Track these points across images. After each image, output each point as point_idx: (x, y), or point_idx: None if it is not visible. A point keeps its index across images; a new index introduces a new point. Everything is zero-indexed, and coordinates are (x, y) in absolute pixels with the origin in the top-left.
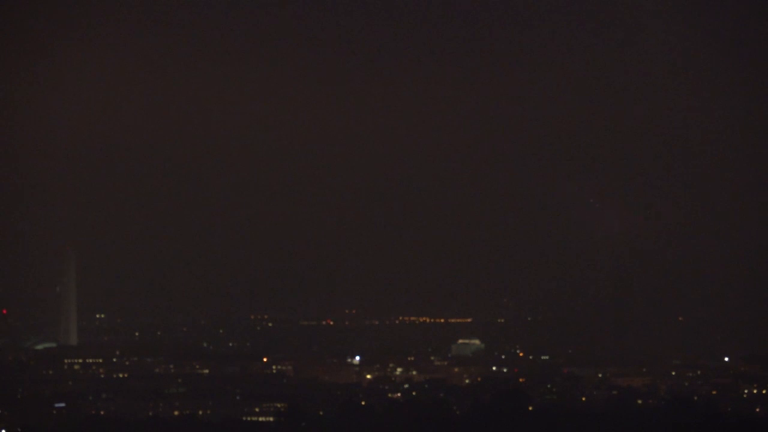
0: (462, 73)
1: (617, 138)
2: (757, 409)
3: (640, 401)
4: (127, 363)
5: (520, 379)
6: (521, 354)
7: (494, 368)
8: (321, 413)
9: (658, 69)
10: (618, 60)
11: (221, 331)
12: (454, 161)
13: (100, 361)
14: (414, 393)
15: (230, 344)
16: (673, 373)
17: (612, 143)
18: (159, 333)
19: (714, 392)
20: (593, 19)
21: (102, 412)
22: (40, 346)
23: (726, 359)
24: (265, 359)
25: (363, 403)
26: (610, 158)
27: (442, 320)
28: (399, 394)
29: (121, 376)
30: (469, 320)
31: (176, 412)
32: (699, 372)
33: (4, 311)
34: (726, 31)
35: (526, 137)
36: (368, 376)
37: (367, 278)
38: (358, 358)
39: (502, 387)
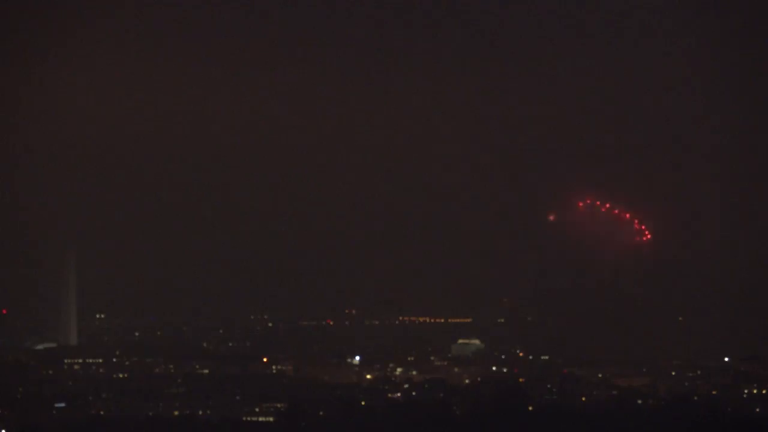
0: (466, 75)
1: (618, 139)
2: (757, 409)
3: (640, 401)
4: (127, 363)
5: (520, 379)
6: (521, 354)
7: (494, 368)
8: (321, 413)
9: (659, 70)
10: (620, 61)
11: (221, 331)
12: (454, 161)
13: (100, 361)
14: (414, 393)
15: (230, 344)
16: (673, 373)
17: (613, 144)
18: (159, 333)
19: (714, 392)
20: (597, 21)
21: (102, 412)
22: (40, 346)
23: (726, 359)
24: (265, 359)
25: (363, 403)
26: (611, 159)
27: (442, 320)
28: (399, 394)
29: (121, 376)
30: (469, 320)
31: (176, 412)
32: (699, 372)
33: (4, 311)
34: (729, 34)
35: (527, 138)
36: (368, 376)
37: (367, 278)
38: (358, 358)
39: (502, 387)
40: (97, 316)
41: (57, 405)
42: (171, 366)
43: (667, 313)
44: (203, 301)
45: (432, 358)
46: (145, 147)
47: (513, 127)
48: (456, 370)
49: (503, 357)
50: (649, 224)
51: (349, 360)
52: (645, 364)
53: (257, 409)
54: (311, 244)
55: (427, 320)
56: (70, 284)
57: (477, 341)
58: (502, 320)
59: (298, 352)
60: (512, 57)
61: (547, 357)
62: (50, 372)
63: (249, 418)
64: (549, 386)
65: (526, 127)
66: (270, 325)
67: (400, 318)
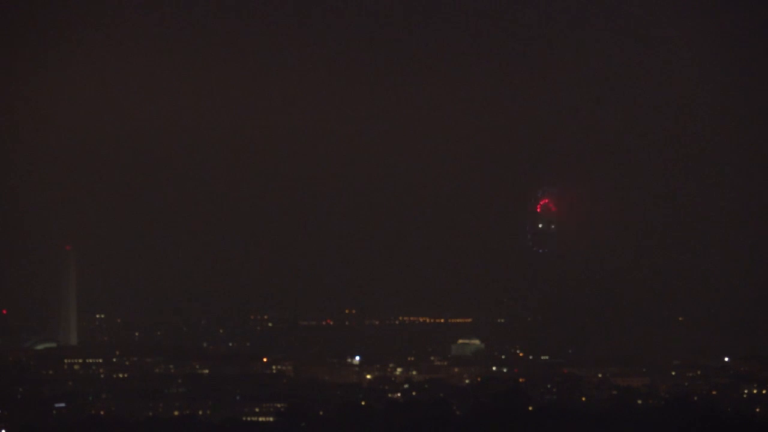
0: (471, 77)
1: (619, 138)
2: (757, 409)
3: (640, 401)
4: (127, 363)
5: (520, 379)
6: (521, 354)
7: (494, 368)
8: (321, 413)
9: (659, 70)
10: (620, 62)
11: (221, 331)
12: (455, 162)
13: (100, 361)
14: (414, 393)
15: (230, 344)
16: (673, 373)
17: (614, 143)
18: (159, 333)
19: (714, 392)
20: (598, 21)
21: (102, 412)
22: (40, 346)
23: (726, 359)
24: (265, 359)
25: (363, 403)
26: (612, 158)
27: (442, 320)
28: (399, 394)
29: (121, 376)
30: (469, 320)
31: (176, 412)
32: (699, 372)
33: (4, 311)
34: (730, 36)
35: (528, 139)
36: (368, 376)
37: (367, 278)
38: (358, 358)
39: (502, 387)
40: (97, 316)
41: (57, 405)
42: (171, 366)
43: (667, 313)
44: (203, 301)
45: (432, 358)
46: (145, 147)
47: (514, 130)
48: (456, 370)
49: (503, 357)
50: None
51: (349, 360)
52: (645, 364)
53: (257, 409)
54: (312, 244)
55: (427, 320)
56: (70, 284)
57: (477, 341)
58: (502, 320)
59: (298, 352)
60: (510, 58)
61: (547, 357)
62: (50, 372)
63: (249, 418)
64: (549, 386)
65: (526, 130)
66: (270, 325)
67: (400, 318)
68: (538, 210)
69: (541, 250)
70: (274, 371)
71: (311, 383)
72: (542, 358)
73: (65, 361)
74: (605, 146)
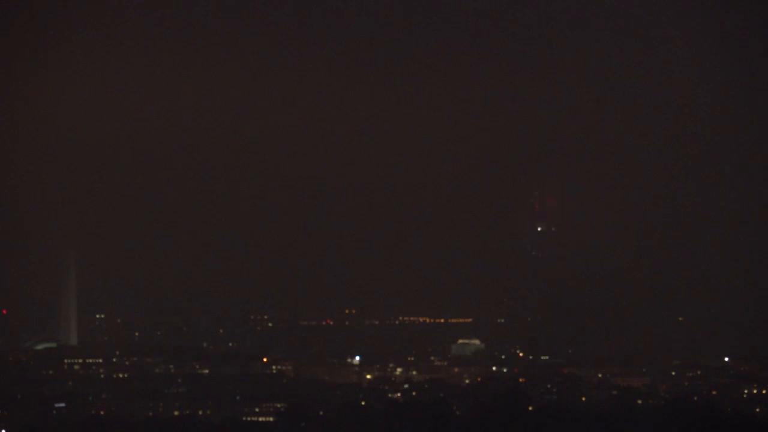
0: (471, 77)
1: (619, 138)
2: (757, 409)
3: (640, 401)
4: (127, 363)
5: (520, 379)
6: (521, 354)
7: (494, 368)
8: (321, 413)
9: (659, 70)
10: (620, 62)
11: (221, 331)
12: (455, 162)
13: (100, 361)
14: (414, 393)
15: (230, 344)
16: (673, 373)
17: (614, 143)
18: (159, 333)
19: (714, 392)
20: (595, 19)
21: (102, 412)
22: (40, 346)
23: (726, 359)
24: (265, 359)
25: (363, 403)
26: (612, 158)
27: (442, 320)
28: (399, 394)
29: (121, 376)
30: (469, 320)
31: (176, 412)
32: (699, 372)
33: (4, 311)
34: (730, 36)
35: (528, 139)
36: (368, 376)
37: (367, 278)
38: (358, 358)
39: (502, 387)
40: (97, 316)
41: (57, 405)
42: (171, 366)
43: (667, 313)
44: (203, 301)
45: (432, 358)
46: (145, 147)
47: (514, 130)
48: (456, 370)
49: (503, 357)
50: (652, 224)
51: (349, 360)
52: (645, 364)
53: (257, 409)
54: (312, 244)
55: (427, 320)
56: (69, 284)
57: (477, 341)
58: (502, 320)
59: (298, 352)
60: (507, 58)
61: (547, 357)
62: (50, 372)
63: (249, 418)
64: (549, 386)
65: (526, 130)
66: (270, 325)
67: (400, 318)
68: (538, 210)
69: (540, 255)
70: (274, 371)
71: (311, 383)
72: (542, 358)
73: (65, 361)
74: (605, 146)
